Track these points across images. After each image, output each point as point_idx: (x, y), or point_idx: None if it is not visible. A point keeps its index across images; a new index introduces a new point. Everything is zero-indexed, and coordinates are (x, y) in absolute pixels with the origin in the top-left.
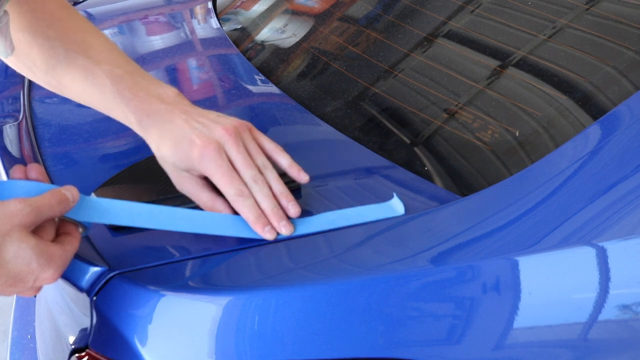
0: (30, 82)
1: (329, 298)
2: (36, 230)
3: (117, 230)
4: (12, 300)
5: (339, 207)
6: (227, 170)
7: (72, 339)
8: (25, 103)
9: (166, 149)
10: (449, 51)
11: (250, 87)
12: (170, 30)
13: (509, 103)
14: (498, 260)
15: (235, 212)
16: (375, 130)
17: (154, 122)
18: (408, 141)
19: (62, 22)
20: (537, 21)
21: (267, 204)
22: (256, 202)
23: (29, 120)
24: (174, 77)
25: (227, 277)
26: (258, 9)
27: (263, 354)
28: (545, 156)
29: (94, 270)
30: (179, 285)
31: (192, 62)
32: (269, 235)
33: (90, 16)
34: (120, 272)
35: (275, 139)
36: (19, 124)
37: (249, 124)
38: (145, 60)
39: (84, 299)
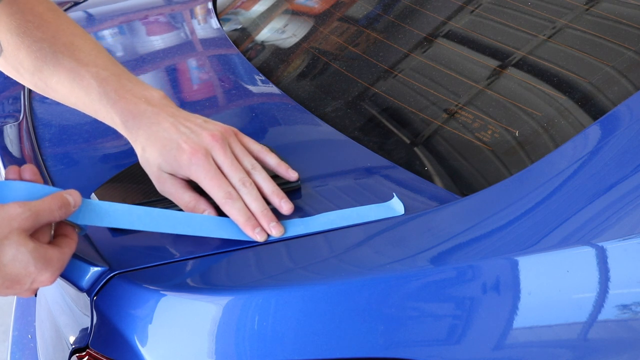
0: None
1: (329, 298)
2: (34, 232)
3: (117, 230)
4: (12, 300)
5: (339, 207)
6: (215, 174)
7: (72, 339)
8: (26, 103)
9: (152, 152)
10: (449, 51)
11: (250, 87)
12: (170, 31)
13: (509, 103)
14: (498, 260)
15: (223, 215)
16: (375, 130)
17: (140, 124)
18: (408, 141)
19: (51, 25)
20: (537, 21)
21: (256, 206)
22: (245, 204)
23: (29, 120)
24: (174, 77)
25: (227, 277)
26: (258, 9)
27: (263, 354)
28: (545, 156)
29: (94, 270)
30: (179, 285)
31: (193, 63)
32: (259, 237)
33: (90, 16)
34: (120, 272)
35: (275, 139)
36: (19, 124)
37: (234, 129)
38: (145, 61)
39: (84, 299)
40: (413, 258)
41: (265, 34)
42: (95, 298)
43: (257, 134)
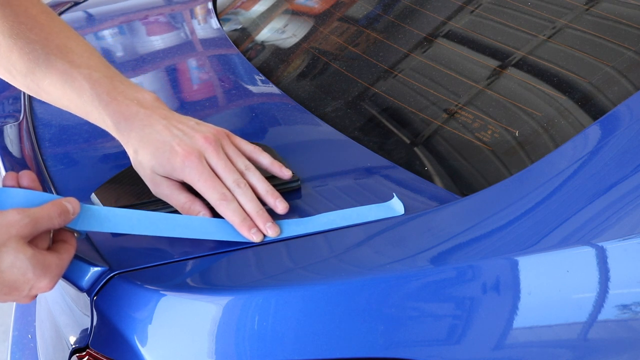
0: None
1: (329, 298)
2: (32, 238)
3: None
4: None
5: (339, 207)
6: (209, 176)
7: (72, 339)
8: (26, 103)
9: (145, 154)
10: (449, 51)
11: (250, 87)
12: (170, 31)
13: (509, 103)
14: (498, 260)
15: (217, 216)
16: (375, 130)
17: (132, 126)
18: (408, 141)
19: (44, 27)
20: (537, 21)
21: (251, 207)
22: (241, 205)
23: (29, 120)
24: (174, 78)
25: (227, 277)
26: (258, 9)
27: (263, 354)
28: (545, 156)
29: (94, 270)
30: (179, 285)
31: (193, 63)
32: (255, 238)
33: (90, 16)
34: (120, 272)
35: (275, 139)
36: (19, 124)
37: (227, 131)
38: (145, 61)
39: (84, 299)
40: (413, 258)
41: (265, 34)
42: (95, 298)
43: (257, 134)
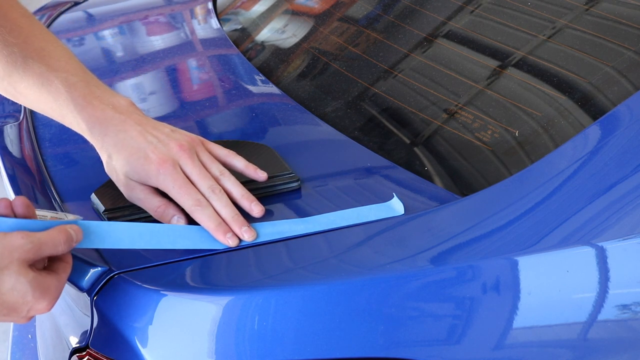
0: None
1: (329, 298)
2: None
3: None
4: None
5: (339, 207)
6: (184, 183)
7: (72, 339)
8: None
9: (119, 159)
10: (449, 51)
11: (250, 87)
12: (170, 31)
13: (509, 103)
14: (498, 260)
15: (192, 222)
16: (375, 130)
17: (107, 131)
18: (408, 141)
19: (23, 30)
20: (537, 21)
21: (226, 212)
22: (216, 211)
23: (29, 120)
24: (174, 78)
25: (227, 277)
26: (258, 9)
27: (263, 354)
28: (545, 156)
29: (94, 270)
30: (179, 285)
31: (193, 63)
32: (231, 242)
33: (90, 16)
34: (120, 272)
35: (275, 139)
36: (19, 124)
37: (201, 137)
38: (145, 61)
39: (84, 299)
40: (413, 258)
41: (265, 34)
42: (95, 298)
43: (257, 134)
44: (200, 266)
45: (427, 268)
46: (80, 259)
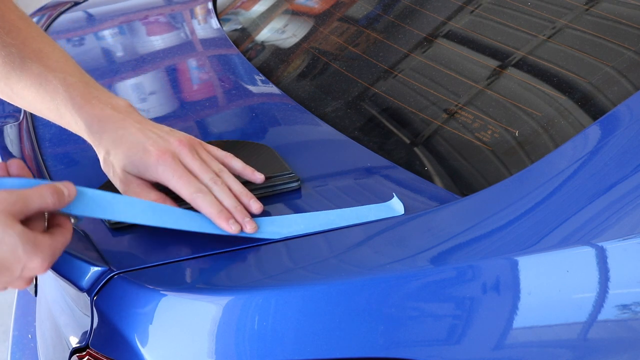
0: None
1: (329, 298)
2: (25, 222)
3: (118, 229)
4: (13, 300)
5: (339, 207)
6: (184, 173)
7: (72, 339)
8: None
9: (117, 154)
10: (449, 51)
11: (250, 87)
12: (170, 31)
13: (509, 103)
14: (498, 260)
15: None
16: (375, 130)
17: (106, 129)
18: (408, 141)
19: (21, 31)
20: (537, 21)
21: (229, 202)
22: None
23: (29, 120)
24: (174, 78)
25: (227, 277)
26: (258, 9)
27: (263, 354)
28: (545, 156)
29: (94, 270)
30: (179, 285)
31: (193, 63)
32: (234, 228)
33: (90, 16)
34: (120, 272)
35: (275, 139)
36: (19, 124)
37: (198, 139)
38: (145, 61)
39: (84, 299)
40: (413, 258)
41: (265, 34)
42: (95, 298)
43: (257, 134)
44: (200, 266)
45: (427, 268)
46: (81, 259)
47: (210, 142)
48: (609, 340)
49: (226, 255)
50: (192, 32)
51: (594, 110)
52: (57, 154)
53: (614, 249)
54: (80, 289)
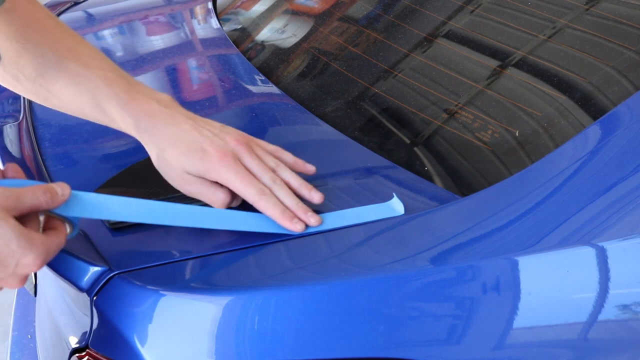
0: None
1: (329, 298)
2: (20, 221)
3: (117, 229)
4: (12, 300)
5: (339, 207)
6: (246, 175)
7: (72, 339)
8: (26, 103)
9: (174, 154)
10: (449, 51)
11: (250, 87)
12: (170, 31)
13: (509, 103)
14: (498, 260)
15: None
16: (375, 130)
17: (156, 124)
18: (408, 141)
19: (52, 30)
20: (537, 21)
21: (290, 201)
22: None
23: (29, 120)
24: (174, 77)
25: (227, 277)
26: (258, 9)
27: (263, 354)
28: (545, 156)
29: (94, 270)
30: (179, 285)
31: (192, 62)
32: (299, 227)
33: (90, 16)
34: (120, 272)
35: (275, 139)
36: (19, 124)
37: (250, 135)
38: (145, 61)
39: (84, 299)
40: (413, 258)
41: (265, 34)
42: (95, 298)
43: (258, 134)
44: (200, 266)
45: (427, 268)
46: (81, 259)
47: None
48: (609, 341)
49: (226, 255)
50: (192, 32)
51: (594, 110)
52: (57, 154)
53: (614, 249)
54: (80, 289)
